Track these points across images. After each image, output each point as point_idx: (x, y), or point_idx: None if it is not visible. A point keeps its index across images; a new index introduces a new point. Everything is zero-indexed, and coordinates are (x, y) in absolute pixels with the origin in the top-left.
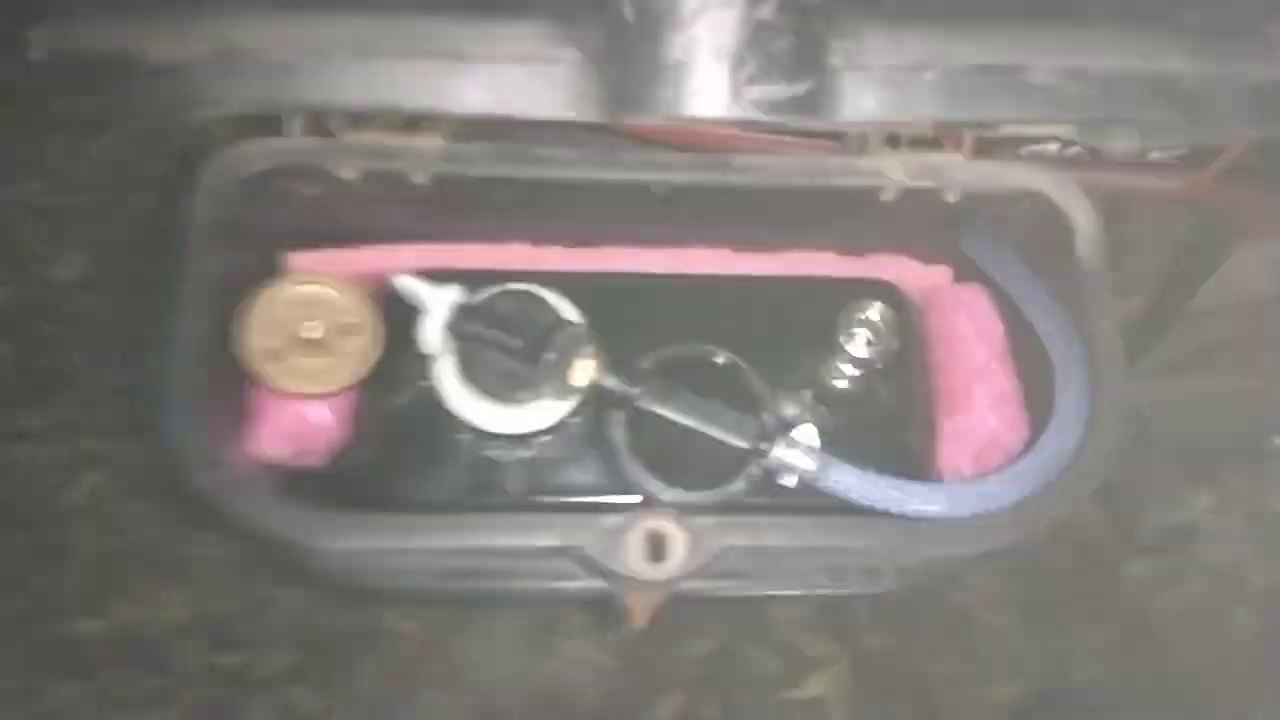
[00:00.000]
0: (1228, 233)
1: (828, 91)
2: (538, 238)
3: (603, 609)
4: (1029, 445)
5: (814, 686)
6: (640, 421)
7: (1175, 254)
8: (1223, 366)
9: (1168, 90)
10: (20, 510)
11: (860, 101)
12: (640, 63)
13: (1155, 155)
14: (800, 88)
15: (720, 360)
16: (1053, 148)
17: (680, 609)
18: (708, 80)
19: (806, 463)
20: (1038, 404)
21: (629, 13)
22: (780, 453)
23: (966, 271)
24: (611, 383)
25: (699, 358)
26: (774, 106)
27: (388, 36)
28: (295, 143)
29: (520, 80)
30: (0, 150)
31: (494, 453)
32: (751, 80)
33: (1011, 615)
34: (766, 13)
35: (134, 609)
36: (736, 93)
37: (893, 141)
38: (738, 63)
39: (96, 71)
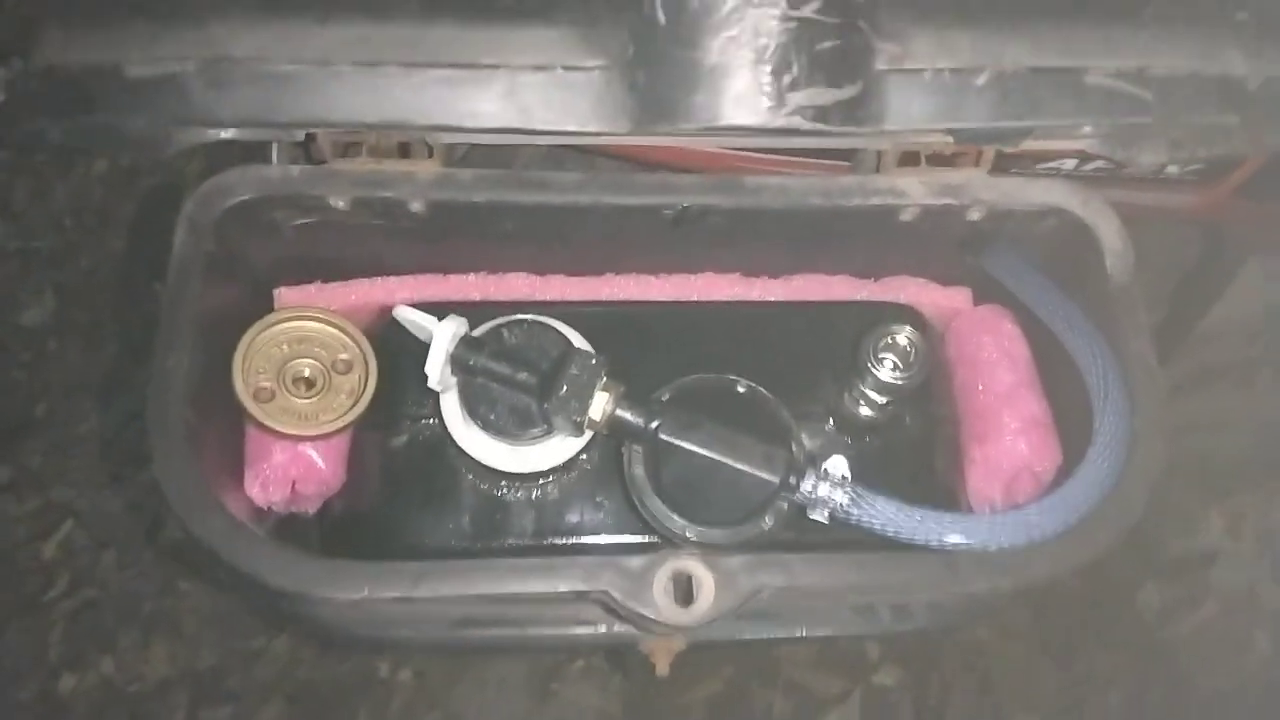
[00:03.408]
0: (1237, 250)
1: (875, 97)
2: (540, 266)
3: (620, 658)
4: (1064, 472)
5: None
6: (659, 456)
7: (1185, 275)
8: (1230, 386)
9: (1230, 91)
10: None
11: (909, 108)
12: (673, 68)
13: (1171, 170)
14: (846, 93)
15: (742, 390)
16: (1070, 164)
17: (701, 653)
18: (749, 85)
19: (839, 495)
20: (1070, 429)
21: (660, 13)
22: (811, 486)
23: (987, 293)
24: (629, 416)
25: (720, 387)
26: (819, 113)
27: (393, 45)
28: (282, 170)
29: (540, 91)
30: None
31: (503, 493)
32: (795, 85)
33: (1026, 645)
34: (810, 10)
35: (117, 664)
36: (780, 99)
37: (909, 159)
38: (781, 66)
39: (72, 90)
